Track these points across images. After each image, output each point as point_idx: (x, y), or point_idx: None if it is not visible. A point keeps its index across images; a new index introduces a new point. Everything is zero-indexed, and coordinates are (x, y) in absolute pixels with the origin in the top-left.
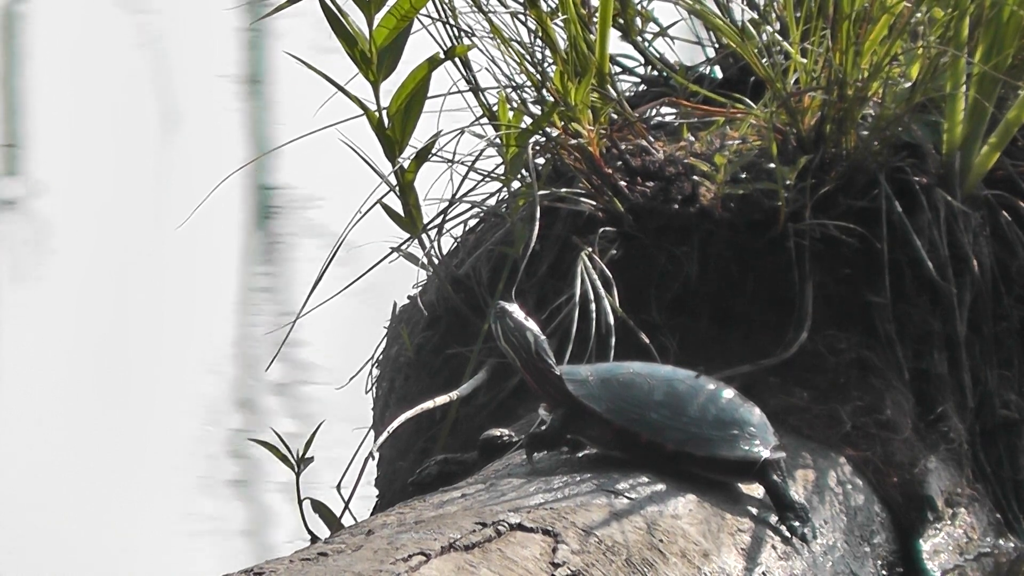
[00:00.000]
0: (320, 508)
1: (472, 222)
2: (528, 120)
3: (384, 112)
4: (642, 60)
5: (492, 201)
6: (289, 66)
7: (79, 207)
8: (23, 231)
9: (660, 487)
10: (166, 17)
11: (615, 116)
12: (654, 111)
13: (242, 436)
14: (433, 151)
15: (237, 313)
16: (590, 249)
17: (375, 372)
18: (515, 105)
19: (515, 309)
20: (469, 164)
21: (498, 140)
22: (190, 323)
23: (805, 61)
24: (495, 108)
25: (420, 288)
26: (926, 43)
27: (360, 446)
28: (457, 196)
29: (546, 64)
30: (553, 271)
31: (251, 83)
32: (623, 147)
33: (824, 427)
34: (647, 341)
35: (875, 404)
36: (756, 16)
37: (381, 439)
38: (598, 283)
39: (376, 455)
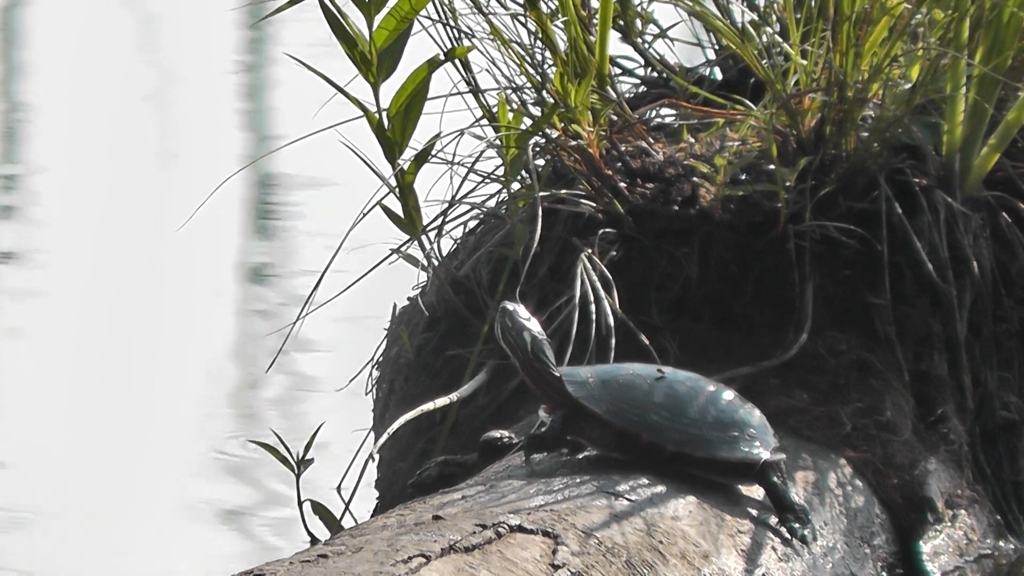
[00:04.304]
0: (320, 510)
1: (472, 223)
2: (528, 121)
3: (384, 113)
4: (642, 62)
5: (492, 203)
6: (289, 67)
7: (79, 208)
8: (22, 232)
9: (660, 488)
10: (166, 18)
11: (615, 117)
12: (654, 112)
13: (242, 437)
14: (433, 152)
15: (237, 314)
16: (590, 251)
17: (375, 373)
18: (515, 106)
19: (517, 309)
20: (469, 166)
21: (498, 141)
22: (190, 325)
23: (805, 63)
24: (495, 109)
25: (420, 289)
26: (926, 45)
27: (360, 448)
28: (457, 197)
29: (546, 66)
30: (553, 273)
31: (251, 84)
32: (623, 148)
33: (824, 428)
34: (647, 343)
35: (875, 406)
36: (756, 18)
37: (381, 441)
38: (598, 285)
39: (376, 457)
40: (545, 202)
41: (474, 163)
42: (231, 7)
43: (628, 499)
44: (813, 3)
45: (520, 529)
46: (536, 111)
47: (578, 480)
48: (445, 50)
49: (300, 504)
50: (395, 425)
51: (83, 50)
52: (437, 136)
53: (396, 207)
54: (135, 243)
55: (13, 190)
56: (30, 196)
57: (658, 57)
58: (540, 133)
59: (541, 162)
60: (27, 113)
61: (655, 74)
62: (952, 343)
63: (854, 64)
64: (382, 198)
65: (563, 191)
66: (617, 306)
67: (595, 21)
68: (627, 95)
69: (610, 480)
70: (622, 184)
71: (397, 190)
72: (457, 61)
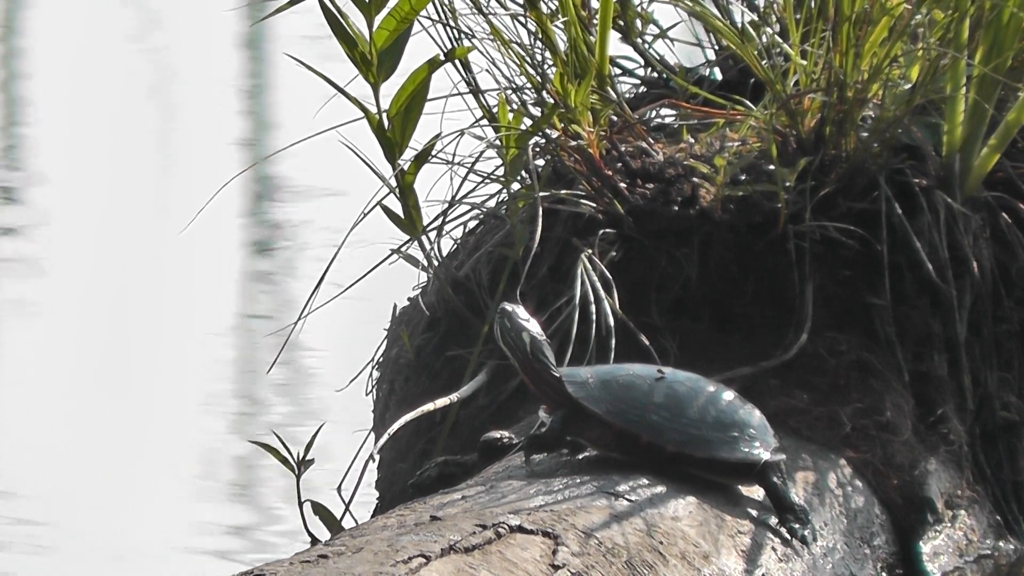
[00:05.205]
0: (320, 510)
1: (472, 224)
2: (528, 122)
3: (384, 114)
4: (642, 62)
5: (492, 203)
6: (289, 68)
7: (79, 210)
8: (22, 232)
9: (660, 489)
10: (166, 19)
11: (615, 118)
12: (654, 113)
13: (242, 438)
14: (433, 153)
15: (238, 315)
16: (590, 251)
17: (375, 374)
18: (515, 107)
19: (516, 310)
20: (469, 166)
21: (498, 142)
22: (191, 327)
23: (805, 63)
24: (495, 110)
25: (420, 290)
26: (926, 45)
27: (360, 448)
28: (457, 198)
29: (546, 66)
30: (553, 273)
31: (251, 85)
32: (623, 149)
33: (824, 429)
34: (647, 343)
35: (875, 406)
36: (756, 18)
37: (381, 441)
38: (598, 285)
39: (376, 457)
40: (545, 202)
41: (474, 163)
42: (231, 8)
43: (628, 499)
44: (813, 3)
45: (520, 529)
46: (536, 111)
47: (578, 480)
48: (445, 50)
49: (300, 505)
50: (395, 426)
51: (83, 54)
52: (437, 136)
53: (396, 207)
54: (136, 246)
55: (13, 195)
56: (30, 202)
57: (658, 57)
58: (540, 133)
59: (541, 162)
60: (26, 115)
61: (655, 74)
62: (952, 343)
63: (854, 64)
64: (382, 198)
65: (563, 191)
66: (617, 306)
67: (595, 21)
68: (627, 95)
69: (610, 480)
70: (622, 184)
71: (397, 190)
72: (457, 61)
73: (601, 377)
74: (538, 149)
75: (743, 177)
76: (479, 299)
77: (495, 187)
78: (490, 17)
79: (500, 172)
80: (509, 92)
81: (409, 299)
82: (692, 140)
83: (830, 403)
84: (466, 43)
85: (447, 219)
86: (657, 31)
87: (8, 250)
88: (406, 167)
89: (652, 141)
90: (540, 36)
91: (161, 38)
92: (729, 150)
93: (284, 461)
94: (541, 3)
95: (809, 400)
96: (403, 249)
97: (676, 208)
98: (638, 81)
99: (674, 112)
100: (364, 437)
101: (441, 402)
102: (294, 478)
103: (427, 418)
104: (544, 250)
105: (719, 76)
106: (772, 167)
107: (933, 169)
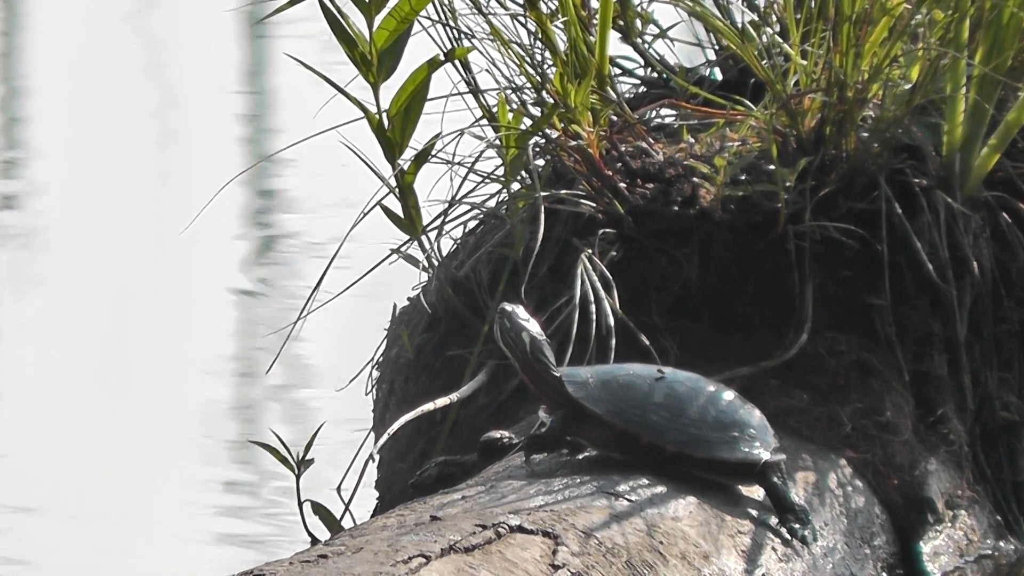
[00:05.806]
0: (320, 510)
1: (472, 224)
2: (528, 122)
3: (384, 114)
4: (642, 62)
5: (492, 203)
6: (289, 68)
7: (79, 211)
8: (23, 234)
9: (660, 489)
10: (166, 19)
11: (615, 118)
12: (654, 113)
13: (242, 439)
14: (433, 153)
15: (237, 316)
16: (590, 251)
17: (375, 374)
18: (515, 107)
19: (516, 310)
20: (469, 166)
21: (498, 142)
22: (190, 327)
23: (805, 63)
24: (495, 110)
25: (420, 290)
26: (926, 45)
27: (360, 448)
28: (457, 198)
29: (546, 66)
30: (553, 273)
31: (251, 85)
32: (623, 149)
33: (824, 429)
34: (647, 343)
35: (875, 406)
36: (756, 18)
37: (381, 441)
38: (598, 285)
39: (376, 457)
40: (545, 202)
41: (474, 163)
42: (231, 8)
43: (628, 499)
44: (813, 3)
45: (520, 529)
46: (536, 111)
47: (578, 480)
48: (445, 50)
49: (300, 504)
50: (395, 426)
51: (84, 60)
52: (437, 136)
53: (396, 207)
54: (137, 245)
55: (14, 200)
56: (33, 193)
57: (658, 57)
58: (540, 133)
59: (541, 162)
60: (26, 121)
61: (655, 74)
62: (952, 343)
63: (854, 64)
64: (382, 198)
65: (563, 191)
66: (617, 306)
67: (595, 21)
68: (627, 95)
69: (610, 480)
70: (622, 184)
71: (397, 190)
72: (457, 61)
73: (601, 377)
74: (538, 149)
75: (743, 177)
76: (479, 299)
77: (495, 187)
78: (490, 17)
79: (500, 172)
80: (509, 92)
81: (409, 299)
82: (692, 140)
83: (830, 403)
84: (466, 43)
85: (447, 219)
86: (657, 31)
87: (7, 249)
88: (406, 167)
89: (652, 141)
90: (540, 36)
91: (161, 38)
92: (729, 150)
93: (284, 461)
94: (541, 3)
95: (809, 400)
96: (403, 249)
97: (676, 208)
98: (638, 81)
99: (674, 112)
100: (364, 437)
101: (441, 402)
102: (294, 478)
103: (427, 418)
104: (544, 250)
105: (719, 76)
106: (772, 167)
107: (933, 169)
